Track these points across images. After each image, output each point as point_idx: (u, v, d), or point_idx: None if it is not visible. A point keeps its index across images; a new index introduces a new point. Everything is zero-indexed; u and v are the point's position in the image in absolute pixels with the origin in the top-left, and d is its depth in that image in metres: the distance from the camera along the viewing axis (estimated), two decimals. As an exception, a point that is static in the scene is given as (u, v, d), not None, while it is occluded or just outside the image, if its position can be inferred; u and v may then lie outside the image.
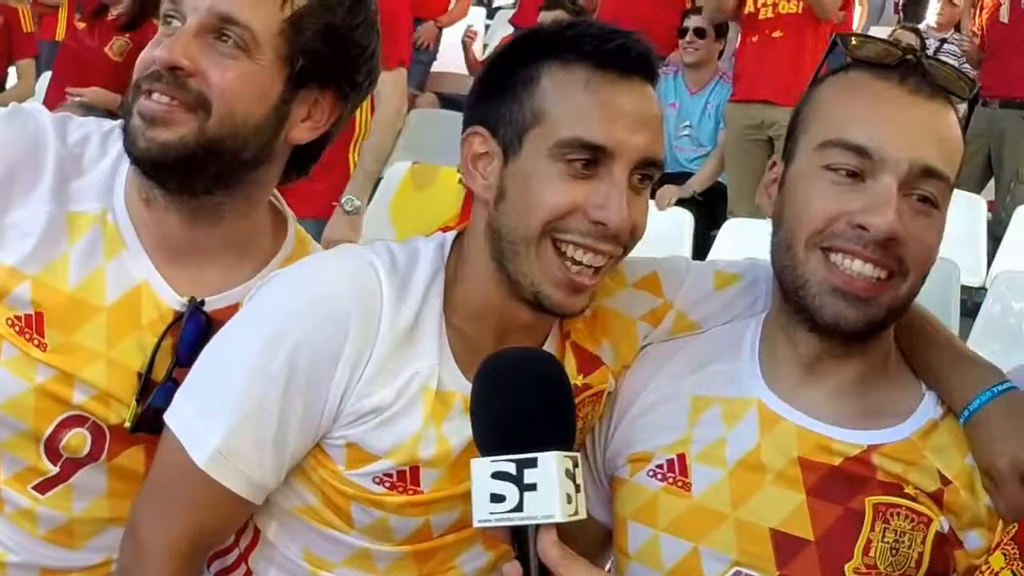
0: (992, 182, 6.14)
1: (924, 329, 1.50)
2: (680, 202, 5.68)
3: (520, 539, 1.19)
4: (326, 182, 3.63)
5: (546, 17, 6.11)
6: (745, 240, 4.62)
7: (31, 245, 1.45)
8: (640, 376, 1.56)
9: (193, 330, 1.49)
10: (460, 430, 1.41)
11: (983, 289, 5.12)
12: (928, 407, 1.43)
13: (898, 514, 1.35)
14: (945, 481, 1.37)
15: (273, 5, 1.42)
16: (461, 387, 1.42)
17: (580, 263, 1.37)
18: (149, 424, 1.47)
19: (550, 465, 1.16)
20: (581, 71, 1.36)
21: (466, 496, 1.42)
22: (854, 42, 1.43)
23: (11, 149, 1.46)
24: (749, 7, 5.90)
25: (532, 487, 1.15)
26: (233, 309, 1.50)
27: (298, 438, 1.41)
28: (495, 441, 1.20)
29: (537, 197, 1.35)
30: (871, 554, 1.34)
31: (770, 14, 5.84)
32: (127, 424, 1.47)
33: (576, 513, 1.18)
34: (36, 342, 1.45)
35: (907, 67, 1.37)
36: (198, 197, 1.48)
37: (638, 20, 6.40)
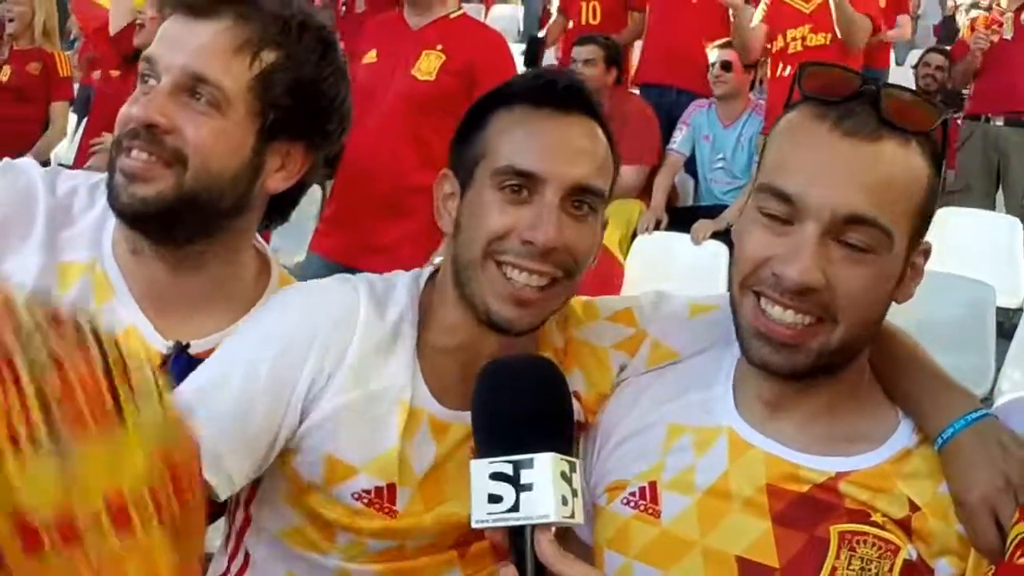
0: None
1: (899, 354, 1.48)
2: (715, 235, 5.68)
3: (517, 544, 1.21)
4: (412, 239, 3.68)
5: (579, 53, 6.21)
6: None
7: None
8: (620, 408, 1.57)
9: (178, 371, 1.51)
10: (426, 451, 1.51)
11: (1020, 311, 5.12)
12: (903, 435, 1.41)
13: (864, 542, 1.33)
14: (914, 508, 1.35)
15: (242, 63, 1.50)
16: (430, 408, 1.51)
17: (519, 280, 1.44)
18: None
19: (545, 466, 1.18)
20: (520, 109, 1.48)
21: (438, 522, 1.51)
22: (807, 71, 1.38)
23: (3, 203, 1.52)
24: (778, 43, 5.93)
25: (528, 487, 1.18)
26: None
27: (265, 416, 1.43)
28: (493, 442, 1.23)
29: (480, 223, 1.45)
30: None
31: (799, 48, 5.87)
32: None
33: (572, 516, 1.20)
34: None
35: (854, 102, 1.32)
36: (181, 246, 1.54)
37: (680, 54, 6.55)
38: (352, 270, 3.63)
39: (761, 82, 6.60)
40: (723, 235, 5.67)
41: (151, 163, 1.48)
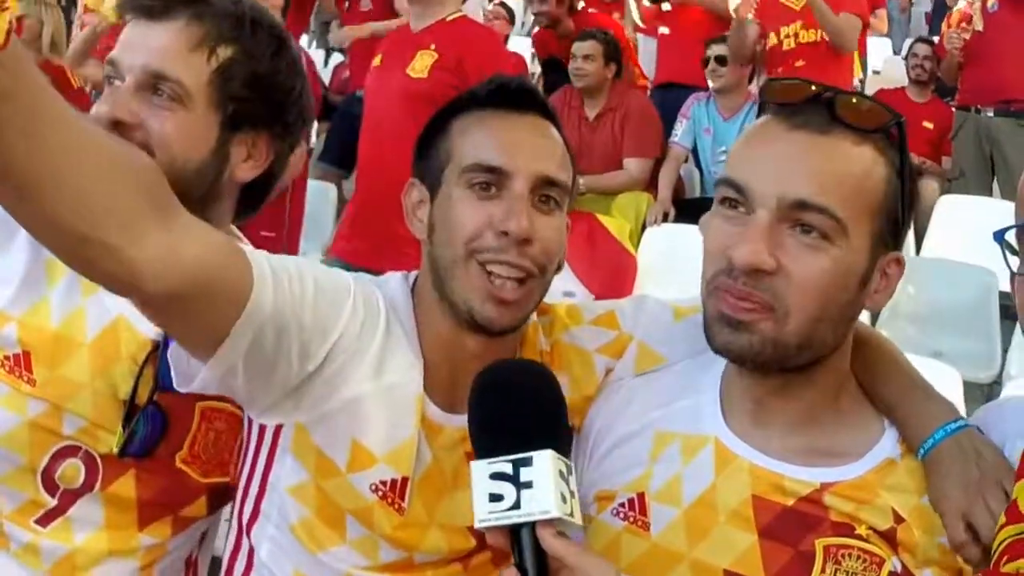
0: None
1: (880, 363, 1.49)
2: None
3: (519, 544, 1.23)
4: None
5: (579, 48, 6.22)
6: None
7: (13, 290, 1.57)
8: (609, 413, 1.58)
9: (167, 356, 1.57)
10: (423, 453, 1.54)
11: (1024, 294, 5.14)
12: (886, 445, 1.42)
13: (849, 555, 1.34)
14: (898, 519, 1.36)
15: (200, 59, 1.56)
16: (428, 410, 1.55)
17: (501, 276, 1.48)
18: (136, 448, 1.58)
19: (545, 463, 1.22)
20: (478, 113, 1.55)
21: (441, 529, 1.53)
22: (768, 85, 1.44)
23: None
24: (772, 40, 5.98)
25: (528, 485, 1.21)
26: None
27: (297, 334, 1.43)
28: (492, 443, 1.26)
29: (455, 223, 1.50)
30: None
31: (792, 44, 5.95)
32: (115, 449, 1.57)
33: (572, 515, 1.24)
34: (26, 379, 1.56)
35: (810, 106, 1.36)
36: None
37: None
38: (374, 273, 3.72)
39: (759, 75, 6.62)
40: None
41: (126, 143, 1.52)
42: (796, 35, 5.94)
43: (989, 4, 6.13)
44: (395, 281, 1.62)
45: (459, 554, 1.57)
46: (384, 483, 1.52)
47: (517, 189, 1.48)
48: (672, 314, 1.65)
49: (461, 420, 1.50)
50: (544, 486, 1.21)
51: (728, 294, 1.33)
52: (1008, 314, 4.82)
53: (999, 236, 1.28)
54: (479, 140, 1.52)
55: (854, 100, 1.37)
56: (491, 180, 1.49)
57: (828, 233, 1.32)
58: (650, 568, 1.42)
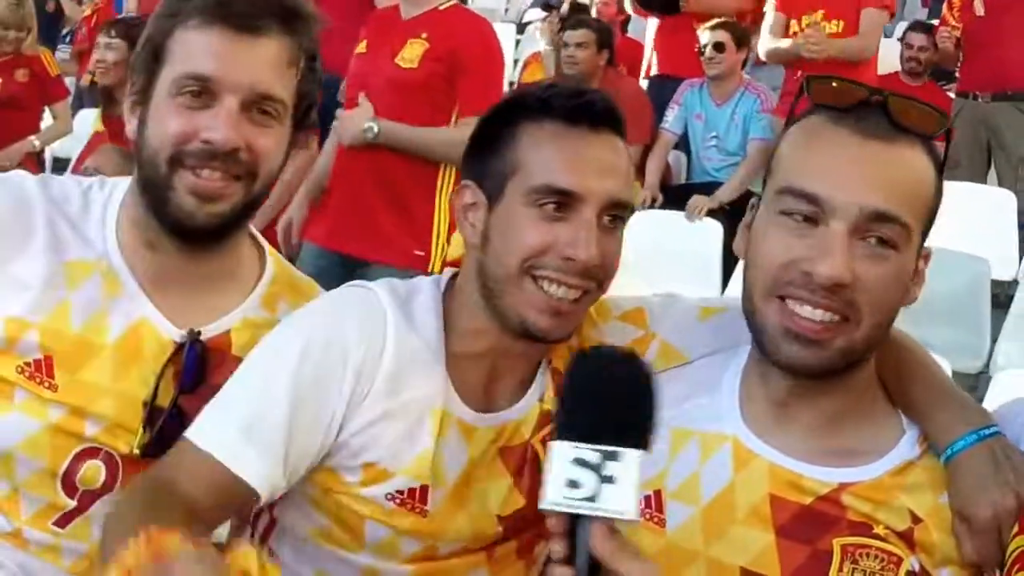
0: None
1: (908, 364, 1.49)
2: (710, 213, 5.70)
3: (577, 535, 1.16)
4: (408, 230, 3.69)
5: (572, 36, 6.20)
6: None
7: (34, 296, 1.55)
8: None
9: (193, 358, 1.60)
10: (457, 454, 1.54)
11: (1014, 283, 5.13)
12: (905, 446, 1.43)
13: (867, 554, 1.35)
14: (916, 520, 1.36)
15: (292, 74, 1.58)
16: (460, 413, 1.55)
17: (558, 294, 1.47)
18: (157, 449, 1.55)
19: (633, 462, 1.14)
20: (551, 126, 1.51)
21: (468, 522, 1.54)
22: (815, 85, 1.43)
23: (1, 214, 1.57)
24: (793, 28, 5.91)
25: (610, 480, 1.13)
26: (226, 337, 1.63)
27: (307, 436, 1.47)
28: (583, 427, 1.17)
29: (515, 239, 1.48)
30: None
31: None
32: (136, 451, 1.57)
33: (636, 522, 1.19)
34: (47, 384, 1.55)
35: (867, 108, 1.37)
36: (218, 241, 1.61)
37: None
38: (347, 257, 3.67)
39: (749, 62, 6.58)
40: (717, 212, 5.69)
41: (226, 181, 1.54)
42: (818, 25, 5.85)
43: None
44: (426, 290, 1.59)
45: (484, 543, 1.58)
46: (401, 492, 1.53)
47: (587, 215, 1.47)
48: (698, 314, 1.65)
49: (494, 419, 1.54)
50: (627, 485, 1.14)
51: (797, 304, 1.33)
52: (998, 303, 4.80)
53: None
54: (552, 160, 1.49)
55: (906, 102, 1.38)
56: (561, 202, 1.47)
57: (897, 242, 1.33)
58: (666, 565, 1.41)
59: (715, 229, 5.53)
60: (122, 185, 1.65)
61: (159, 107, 1.54)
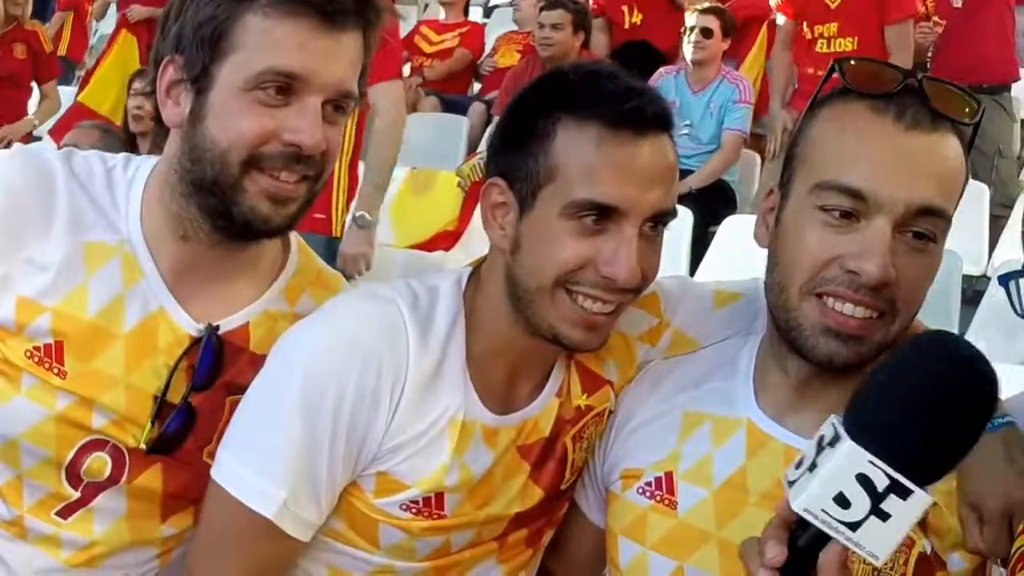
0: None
1: None
2: (680, 199, 5.66)
3: (809, 548, 1.02)
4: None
5: (547, 17, 6.15)
6: (745, 237, 4.61)
7: (50, 278, 1.48)
8: (639, 393, 1.58)
9: (209, 354, 1.53)
10: (479, 458, 1.49)
11: (985, 277, 5.13)
12: None
13: None
14: None
15: (359, 68, 1.50)
16: (480, 416, 1.49)
17: (593, 309, 1.41)
18: (165, 446, 1.52)
19: (919, 506, 0.99)
20: (594, 129, 1.38)
21: (485, 519, 1.51)
22: (848, 68, 1.38)
23: (21, 188, 1.49)
24: (806, 33, 5.80)
25: (884, 516, 0.98)
26: (243, 329, 1.56)
27: (343, 477, 1.46)
28: (890, 442, 1.00)
29: (550, 253, 1.39)
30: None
31: (826, 48, 5.70)
32: (142, 445, 1.51)
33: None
34: (56, 371, 1.49)
35: (905, 95, 1.33)
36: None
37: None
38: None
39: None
40: (686, 198, 5.63)
41: (299, 183, 1.47)
42: (831, 40, 5.70)
43: None
44: (447, 290, 1.52)
45: (496, 534, 1.56)
46: (416, 502, 1.49)
47: (628, 231, 1.37)
48: (712, 302, 1.62)
49: (514, 419, 1.51)
50: (897, 530, 0.99)
51: (837, 301, 1.31)
52: (967, 299, 4.79)
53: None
54: (595, 171, 1.37)
55: (943, 87, 1.35)
56: (601, 215, 1.37)
57: (936, 235, 1.32)
58: (676, 546, 1.43)
59: (684, 215, 5.48)
60: (146, 167, 1.56)
61: (227, 101, 1.42)
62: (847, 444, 0.99)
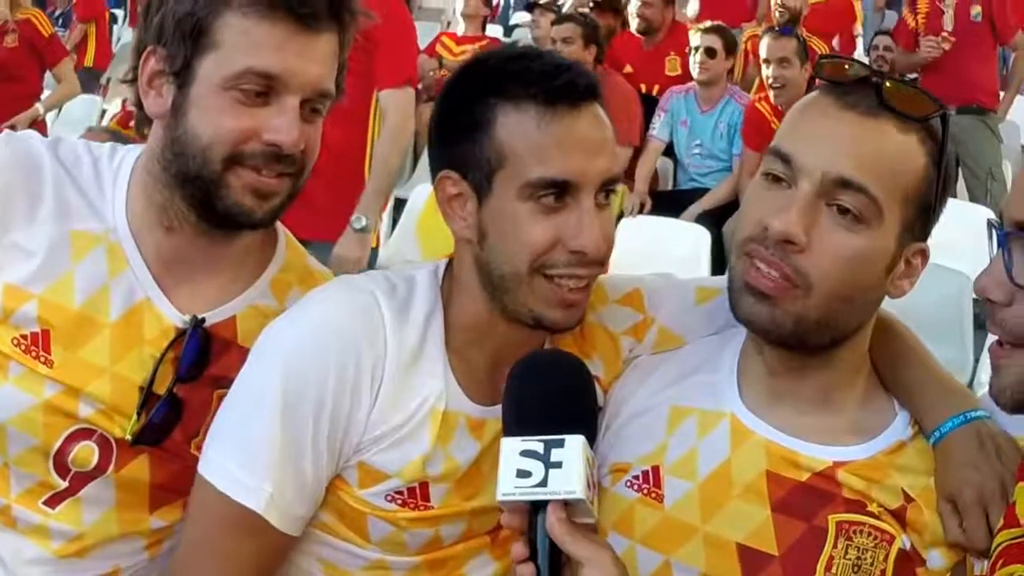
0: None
1: (899, 348, 1.51)
2: (698, 219, 5.72)
3: (535, 524, 1.25)
4: (342, 206, 3.71)
5: (558, 32, 6.18)
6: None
7: (36, 264, 1.50)
8: (626, 388, 1.59)
9: (194, 346, 1.54)
10: (465, 448, 1.50)
11: (997, 301, 5.13)
12: (898, 427, 1.45)
13: (861, 531, 1.37)
14: (908, 499, 1.39)
15: (336, 67, 1.53)
16: (464, 407, 1.50)
17: (570, 286, 1.44)
18: (150, 437, 1.53)
19: (576, 447, 1.24)
20: (532, 109, 1.41)
21: (474, 511, 1.51)
22: (820, 64, 1.46)
23: (8, 174, 1.51)
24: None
25: (557, 465, 1.23)
26: (230, 323, 1.58)
27: (328, 469, 1.47)
28: (526, 422, 1.28)
29: (517, 237, 1.42)
30: (833, 571, 1.36)
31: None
32: (128, 437, 1.52)
33: (592, 503, 1.26)
34: (43, 359, 1.50)
35: (859, 85, 1.39)
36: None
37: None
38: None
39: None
40: (705, 218, 5.65)
41: (282, 178, 1.49)
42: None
43: (973, 13, 6.12)
44: (423, 280, 1.54)
45: (487, 527, 1.56)
46: (401, 493, 1.50)
47: (586, 202, 1.41)
48: (695, 297, 1.64)
49: (499, 410, 1.50)
50: (573, 468, 1.24)
51: (756, 260, 1.36)
52: (980, 322, 4.79)
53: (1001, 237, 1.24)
54: (543, 149, 1.40)
55: (901, 86, 1.39)
56: (557, 192, 1.40)
57: (864, 215, 1.34)
58: (663, 539, 1.44)
59: (703, 235, 5.51)
60: (131, 157, 1.58)
61: (207, 98, 1.44)
62: (504, 441, 1.28)
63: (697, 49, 6.17)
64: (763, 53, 5.86)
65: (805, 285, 1.34)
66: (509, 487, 1.24)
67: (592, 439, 1.32)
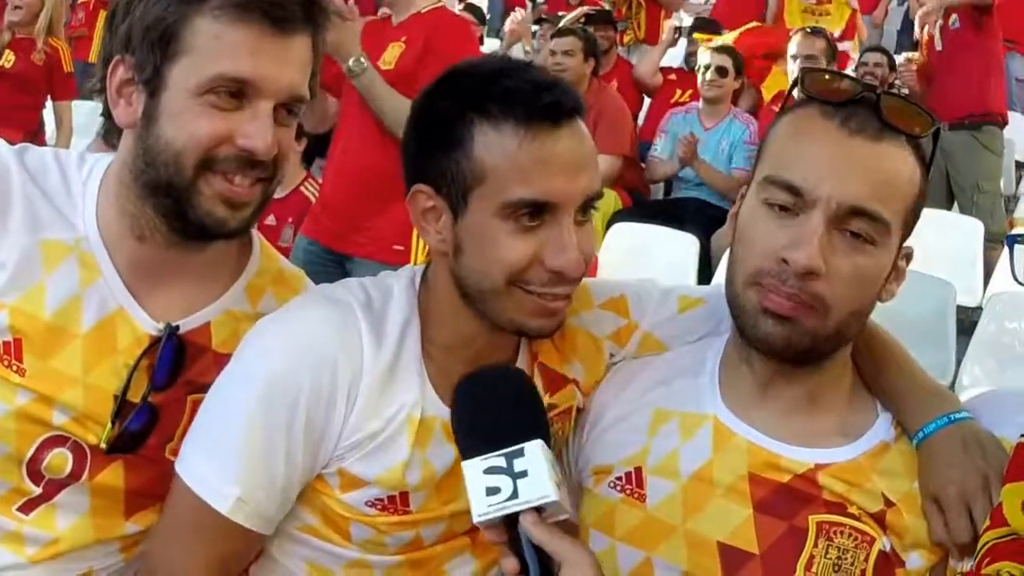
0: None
1: (882, 352, 1.54)
2: (685, 227, 5.70)
3: (515, 536, 1.25)
4: (388, 225, 3.73)
5: (559, 44, 6.23)
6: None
7: (7, 275, 1.47)
8: (609, 391, 1.62)
9: (168, 355, 1.53)
10: (442, 454, 1.50)
11: (979, 309, 5.24)
12: (880, 429, 1.47)
13: (841, 532, 1.39)
14: (888, 503, 1.40)
15: (310, 71, 1.51)
16: (441, 413, 1.49)
17: (548, 301, 1.43)
18: (125, 445, 1.52)
19: (536, 451, 1.25)
20: (511, 128, 1.37)
21: (453, 514, 1.52)
22: (808, 78, 1.45)
23: None
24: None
25: (523, 474, 1.24)
26: (205, 329, 1.57)
27: (303, 475, 1.48)
28: (480, 442, 1.27)
29: (494, 255, 1.39)
30: (813, 570, 1.37)
31: None
32: (102, 445, 1.51)
33: (563, 501, 1.26)
34: (15, 368, 1.48)
35: (855, 105, 1.39)
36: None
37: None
38: (337, 253, 3.80)
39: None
40: (693, 226, 5.71)
41: (253, 186, 1.47)
42: None
43: (950, 21, 6.23)
44: (400, 289, 1.53)
45: (467, 527, 1.56)
46: (380, 499, 1.51)
47: (565, 221, 1.39)
48: (677, 306, 1.66)
49: None
50: (539, 473, 1.24)
51: (774, 293, 1.37)
52: (963, 328, 4.92)
53: (1011, 242, 1.34)
54: (522, 170, 1.37)
55: (898, 101, 1.41)
56: (537, 211, 1.38)
57: (874, 237, 1.36)
58: (644, 537, 1.46)
59: (691, 243, 5.59)
60: (100, 165, 1.55)
61: (179, 104, 1.41)
62: (465, 464, 1.27)
63: (708, 67, 6.22)
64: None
65: (823, 307, 1.37)
66: (483, 507, 1.24)
67: (546, 438, 1.30)
